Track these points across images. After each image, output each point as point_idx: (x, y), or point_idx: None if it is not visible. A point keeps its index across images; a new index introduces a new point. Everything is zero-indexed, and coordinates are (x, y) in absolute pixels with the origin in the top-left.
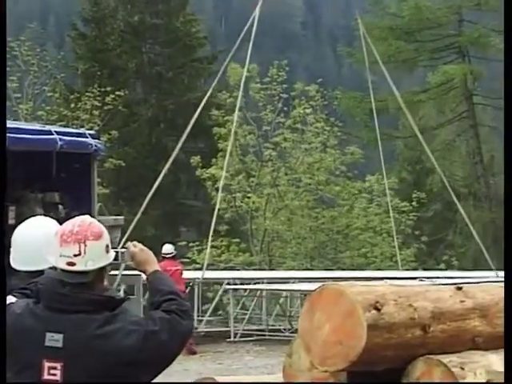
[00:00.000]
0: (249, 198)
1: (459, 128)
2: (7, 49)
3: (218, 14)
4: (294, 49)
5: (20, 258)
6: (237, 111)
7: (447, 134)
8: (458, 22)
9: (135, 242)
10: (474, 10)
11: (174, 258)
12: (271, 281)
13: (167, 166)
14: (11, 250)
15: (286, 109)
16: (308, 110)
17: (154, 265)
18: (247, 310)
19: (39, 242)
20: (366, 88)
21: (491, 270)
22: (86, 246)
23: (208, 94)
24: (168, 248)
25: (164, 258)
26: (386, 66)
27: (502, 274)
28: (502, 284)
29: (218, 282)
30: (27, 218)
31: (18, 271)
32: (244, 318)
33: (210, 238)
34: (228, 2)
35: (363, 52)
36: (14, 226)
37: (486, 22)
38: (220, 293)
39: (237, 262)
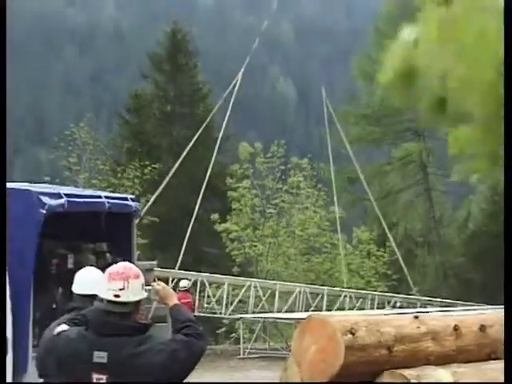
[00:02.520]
0: (255, 246)
1: (417, 191)
2: (69, 132)
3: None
4: (290, 131)
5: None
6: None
7: (408, 196)
8: (414, 109)
9: (159, 282)
10: None
11: (187, 291)
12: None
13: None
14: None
15: (283, 177)
16: (301, 179)
17: (174, 299)
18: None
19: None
20: (344, 160)
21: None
22: (128, 282)
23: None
24: (182, 283)
25: (180, 291)
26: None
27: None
28: (452, 313)
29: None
30: (82, 265)
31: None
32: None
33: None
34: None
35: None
36: (73, 271)
37: None
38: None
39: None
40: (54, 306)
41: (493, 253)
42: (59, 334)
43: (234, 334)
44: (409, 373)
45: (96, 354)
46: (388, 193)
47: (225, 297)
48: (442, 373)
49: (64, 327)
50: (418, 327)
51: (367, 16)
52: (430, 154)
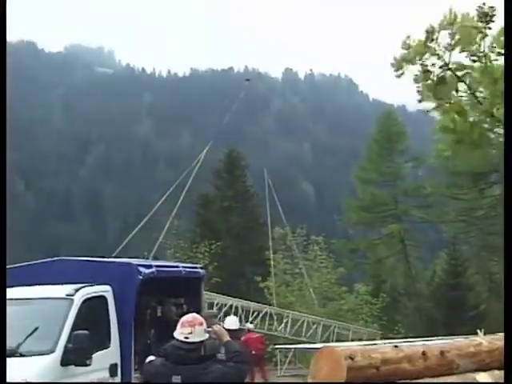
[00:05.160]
0: (287, 297)
1: (398, 258)
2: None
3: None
4: (310, 217)
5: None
6: None
7: (392, 261)
8: (394, 202)
9: (217, 325)
10: (401, 195)
11: (252, 331)
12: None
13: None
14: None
15: (305, 249)
16: (317, 249)
17: (227, 337)
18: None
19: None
20: (347, 237)
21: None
22: (195, 328)
23: None
24: (250, 326)
25: (248, 330)
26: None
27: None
28: (423, 343)
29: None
30: (166, 313)
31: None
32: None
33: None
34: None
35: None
36: (161, 317)
37: (411, 201)
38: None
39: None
40: (148, 341)
41: (452, 299)
42: (150, 362)
43: (274, 359)
44: None
45: (174, 377)
46: (379, 259)
47: (289, 324)
48: None
49: (152, 358)
50: (397, 353)
51: (364, 137)
52: (406, 232)
